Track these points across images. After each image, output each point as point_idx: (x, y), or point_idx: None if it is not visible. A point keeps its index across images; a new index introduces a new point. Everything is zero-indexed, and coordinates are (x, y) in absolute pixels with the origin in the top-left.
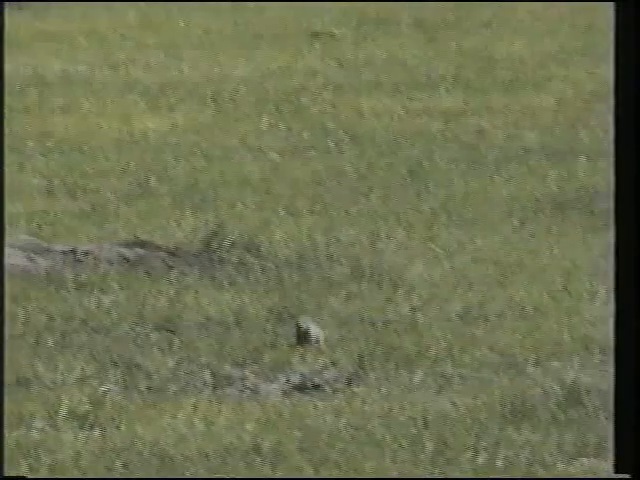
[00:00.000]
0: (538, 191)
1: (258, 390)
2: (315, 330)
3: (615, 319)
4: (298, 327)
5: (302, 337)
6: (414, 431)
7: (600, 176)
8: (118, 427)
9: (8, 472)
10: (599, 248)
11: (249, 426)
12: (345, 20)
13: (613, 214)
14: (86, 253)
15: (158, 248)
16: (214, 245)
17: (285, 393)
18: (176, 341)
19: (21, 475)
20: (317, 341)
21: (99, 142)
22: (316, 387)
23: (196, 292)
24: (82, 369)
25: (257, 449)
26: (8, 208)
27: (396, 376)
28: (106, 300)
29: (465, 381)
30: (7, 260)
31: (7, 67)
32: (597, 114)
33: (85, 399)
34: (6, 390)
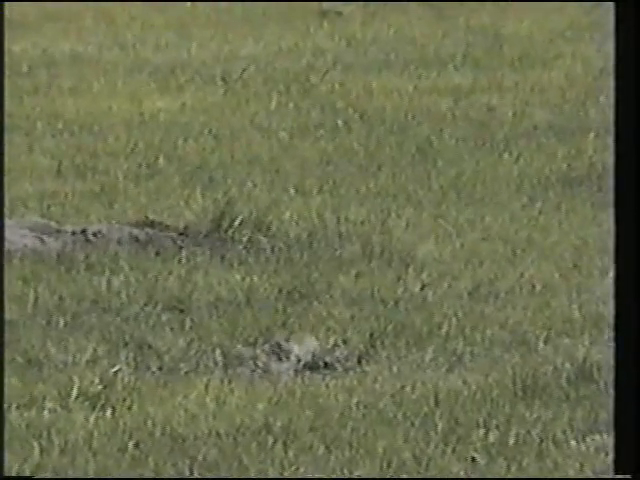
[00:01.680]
0: (547, 168)
1: (269, 369)
2: (296, 348)
3: (615, 321)
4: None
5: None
6: (425, 409)
7: (609, 153)
8: (130, 407)
9: (21, 453)
10: (608, 225)
11: (261, 405)
12: None
13: (614, 215)
14: (96, 234)
15: (168, 228)
16: (224, 225)
17: (296, 372)
18: (187, 321)
19: (23, 475)
20: (298, 359)
21: (108, 122)
22: (327, 366)
23: (206, 272)
24: (93, 350)
25: (269, 428)
26: (17, 189)
27: (407, 354)
28: (116, 281)
29: (476, 359)
30: (18, 241)
31: (16, 48)
32: (606, 91)
33: (96, 380)
34: (18, 371)
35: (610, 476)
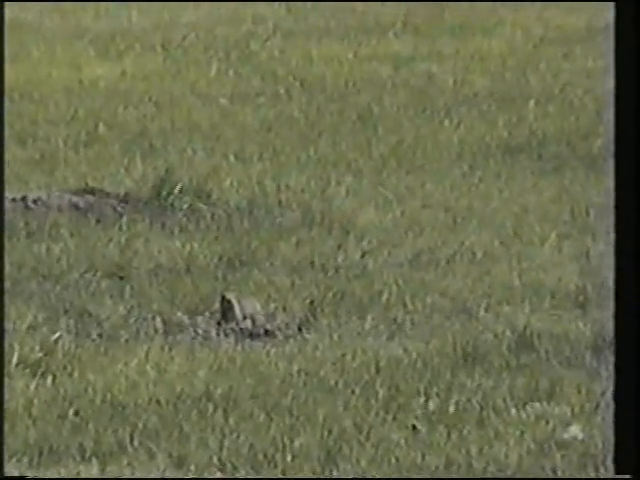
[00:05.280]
0: (488, 136)
1: (210, 337)
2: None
3: (615, 324)
4: (223, 300)
5: (227, 312)
6: (366, 377)
7: (549, 121)
8: (70, 375)
9: None
10: (549, 193)
11: (201, 373)
12: None
13: (614, 217)
14: (36, 201)
15: (108, 195)
16: (164, 192)
17: (237, 340)
18: (127, 288)
19: (22, 475)
20: (239, 327)
21: (48, 89)
22: (268, 333)
23: (146, 239)
24: (33, 317)
25: (209, 396)
26: None
27: (347, 322)
28: (56, 248)
29: (416, 326)
30: None
31: None
32: (546, 59)
33: (37, 347)
34: None
35: (610, 476)
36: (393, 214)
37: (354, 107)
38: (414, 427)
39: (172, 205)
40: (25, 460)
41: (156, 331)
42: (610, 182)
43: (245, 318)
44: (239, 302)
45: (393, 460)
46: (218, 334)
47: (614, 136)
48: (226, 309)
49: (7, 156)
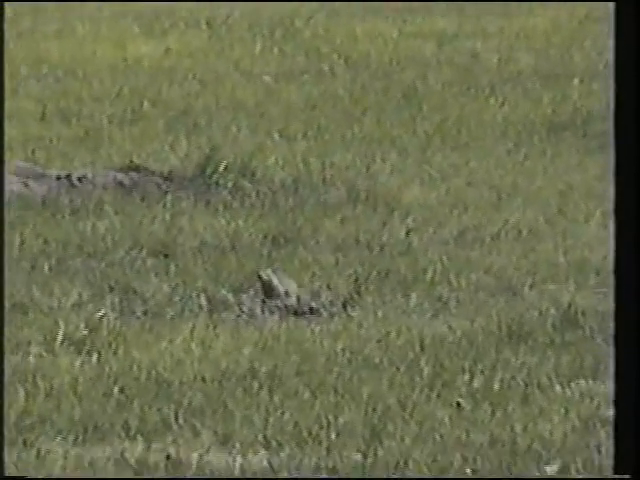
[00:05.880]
0: (532, 113)
1: (254, 314)
2: (282, 284)
3: (615, 324)
4: (261, 279)
5: (268, 291)
6: (411, 355)
7: (594, 98)
8: (115, 352)
9: (7, 397)
10: (593, 170)
11: (246, 350)
12: None
13: (613, 213)
14: (81, 178)
15: (153, 173)
16: (209, 170)
17: (281, 317)
18: (172, 266)
19: (22, 475)
20: (286, 294)
21: (93, 67)
22: (312, 311)
23: (191, 217)
24: (78, 294)
25: (254, 373)
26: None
27: (392, 300)
28: (101, 225)
29: (461, 304)
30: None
31: None
32: (591, 36)
33: (82, 324)
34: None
35: (610, 476)
36: (438, 192)
37: (399, 85)
38: (458, 404)
39: (217, 183)
40: (70, 438)
41: (201, 308)
42: None
43: (289, 296)
44: (284, 280)
45: (437, 437)
46: (263, 312)
47: (614, 135)
48: (271, 286)
49: (52, 133)
